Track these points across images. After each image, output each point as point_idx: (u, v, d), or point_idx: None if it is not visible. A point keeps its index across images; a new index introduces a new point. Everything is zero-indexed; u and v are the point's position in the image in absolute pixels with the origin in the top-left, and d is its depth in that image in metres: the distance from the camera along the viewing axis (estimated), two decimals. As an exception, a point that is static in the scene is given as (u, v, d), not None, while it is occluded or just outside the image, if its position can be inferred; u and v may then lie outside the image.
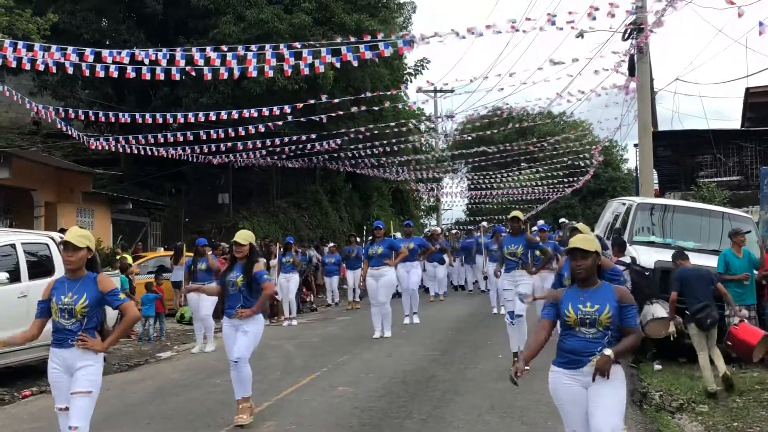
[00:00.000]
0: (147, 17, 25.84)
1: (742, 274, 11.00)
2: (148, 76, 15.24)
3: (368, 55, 15.48)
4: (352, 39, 16.91)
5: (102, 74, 14.97)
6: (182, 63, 15.06)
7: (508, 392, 9.34)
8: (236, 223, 25.90)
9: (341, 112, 21.99)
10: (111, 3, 25.85)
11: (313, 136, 23.16)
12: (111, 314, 8.39)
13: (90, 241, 5.95)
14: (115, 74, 15.15)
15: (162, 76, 15.24)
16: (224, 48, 15.86)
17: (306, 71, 16.07)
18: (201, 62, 15.28)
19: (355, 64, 16.20)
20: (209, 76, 16.34)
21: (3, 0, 18.48)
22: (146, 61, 15.07)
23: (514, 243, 11.10)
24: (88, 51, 14.59)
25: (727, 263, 11.07)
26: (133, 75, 15.05)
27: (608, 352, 4.96)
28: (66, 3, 24.50)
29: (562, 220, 22.22)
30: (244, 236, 8.28)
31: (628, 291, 5.53)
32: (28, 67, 14.67)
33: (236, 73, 15.49)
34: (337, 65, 16.30)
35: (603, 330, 5.03)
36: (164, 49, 15.50)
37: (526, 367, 5.16)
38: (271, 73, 16.12)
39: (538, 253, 11.61)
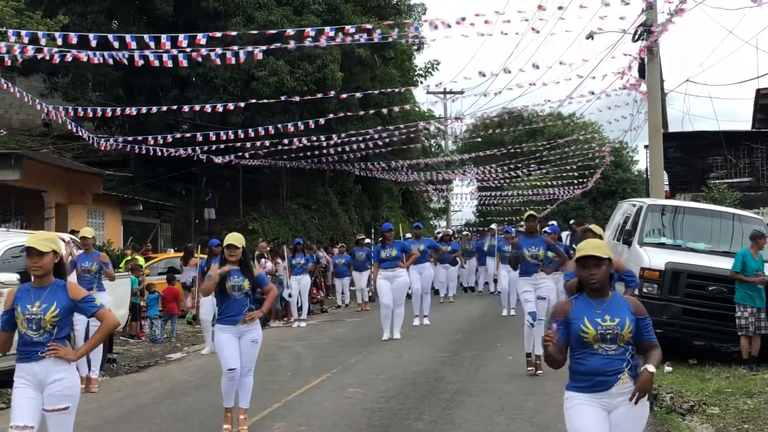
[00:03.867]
0: (157, 19, 25.91)
1: (757, 277, 10.97)
2: (156, 63, 15.30)
3: (376, 41, 15.60)
4: (362, 41, 16.98)
5: (111, 61, 15.11)
6: (187, 49, 15.14)
7: (518, 394, 9.35)
8: (246, 224, 25.95)
9: (350, 113, 21.99)
10: (121, 5, 25.97)
11: (322, 137, 23.18)
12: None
13: (56, 245, 5.43)
14: (125, 60, 15.25)
15: (170, 63, 15.29)
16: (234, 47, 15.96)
17: (309, 39, 16.01)
18: (204, 51, 15.39)
19: (363, 40, 16.25)
20: (218, 61, 16.43)
21: (14, 1, 18.56)
22: (154, 60, 15.16)
23: (535, 245, 10.76)
24: (91, 35, 14.69)
25: (745, 263, 11.01)
26: (141, 63, 15.14)
27: (651, 368, 4.53)
28: (77, 5, 24.59)
29: (572, 221, 22.12)
30: (238, 239, 7.97)
31: (639, 301, 5.07)
32: (34, 54, 14.75)
33: (242, 57, 15.57)
34: (342, 41, 16.41)
35: (624, 345, 4.60)
36: (165, 39, 15.58)
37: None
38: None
39: (551, 254, 11.55)
